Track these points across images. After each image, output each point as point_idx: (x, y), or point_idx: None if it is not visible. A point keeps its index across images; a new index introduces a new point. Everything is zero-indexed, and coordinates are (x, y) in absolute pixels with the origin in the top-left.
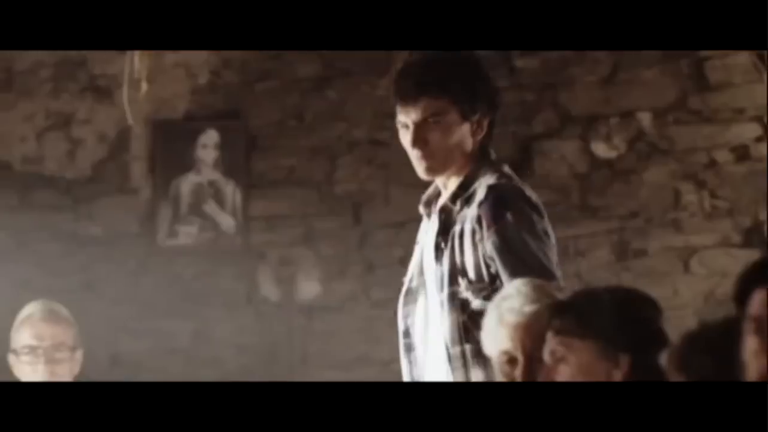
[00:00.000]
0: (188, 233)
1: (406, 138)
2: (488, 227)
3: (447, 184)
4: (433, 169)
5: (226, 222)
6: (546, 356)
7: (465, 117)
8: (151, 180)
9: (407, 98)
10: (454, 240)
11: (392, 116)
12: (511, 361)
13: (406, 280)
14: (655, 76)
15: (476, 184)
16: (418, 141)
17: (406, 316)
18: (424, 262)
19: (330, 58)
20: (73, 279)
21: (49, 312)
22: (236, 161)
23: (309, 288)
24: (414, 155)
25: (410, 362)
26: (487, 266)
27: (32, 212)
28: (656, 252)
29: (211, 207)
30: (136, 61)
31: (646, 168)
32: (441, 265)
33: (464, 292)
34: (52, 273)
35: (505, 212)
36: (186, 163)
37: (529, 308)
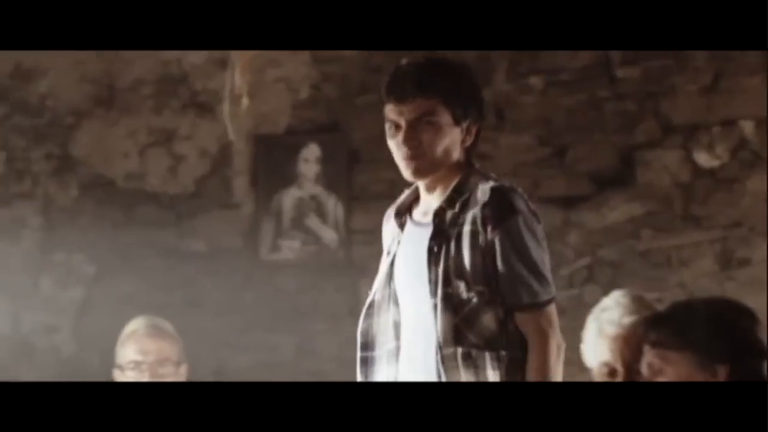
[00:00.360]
0: (291, 247)
1: (396, 138)
2: (493, 228)
3: (432, 190)
4: (421, 171)
5: (329, 236)
6: (643, 369)
7: (457, 121)
8: (253, 195)
9: (403, 97)
10: (450, 243)
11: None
12: (612, 372)
13: (371, 293)
14: (757, 84)
15: (471, 188)
16: (410, 140)
17: (366, 330)
18: (396, 270)
19: None
20: (176, 294)
21: (153, 327)
22: (338, 175)
23: None
24: (403, 155)
25: (366, 376)
26: (486, 267)
27: (136, 228)
28: (760, 261)
29: (313, 221)
30: (237, 76)
31: (749, 177)
32: (435, 268)
33: (461, 293)
34: (156, 288)
35: (511, 214)
36: (288, 178)
37: (628, 320)
